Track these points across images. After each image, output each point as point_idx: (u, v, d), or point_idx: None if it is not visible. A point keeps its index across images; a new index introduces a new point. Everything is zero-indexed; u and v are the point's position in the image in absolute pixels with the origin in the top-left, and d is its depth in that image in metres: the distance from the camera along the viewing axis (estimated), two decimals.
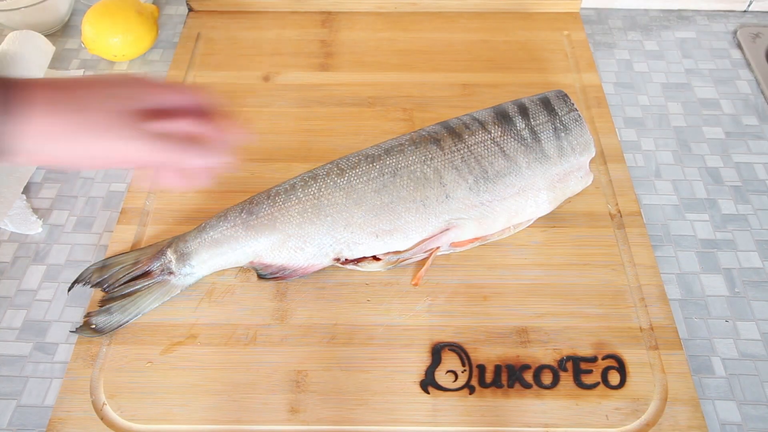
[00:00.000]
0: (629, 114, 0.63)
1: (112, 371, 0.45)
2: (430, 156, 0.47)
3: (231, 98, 0.62)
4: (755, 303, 0.49)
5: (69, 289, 0.48)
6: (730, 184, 0.57)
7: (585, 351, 0.45)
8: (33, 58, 0.61)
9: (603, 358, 0.45)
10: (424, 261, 0.49)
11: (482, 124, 0.49)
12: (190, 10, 0.72)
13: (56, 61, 0.67)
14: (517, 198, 0.48)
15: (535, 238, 0.51)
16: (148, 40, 0.67)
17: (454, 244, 0.49)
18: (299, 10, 0.72)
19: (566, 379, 0.44)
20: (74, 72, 0.67)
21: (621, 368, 0.45)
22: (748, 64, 0.67)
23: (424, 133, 0.49)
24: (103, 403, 0.43)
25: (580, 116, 0.49)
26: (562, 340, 0.46)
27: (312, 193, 0.47)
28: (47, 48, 0.63)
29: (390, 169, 0.47)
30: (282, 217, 0.46)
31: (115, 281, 0.47)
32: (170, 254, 0.47)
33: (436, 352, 0.45)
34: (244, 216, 0.47)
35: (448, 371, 0.45)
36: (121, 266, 0.47)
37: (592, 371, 0.44)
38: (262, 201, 0.48)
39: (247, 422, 0.42)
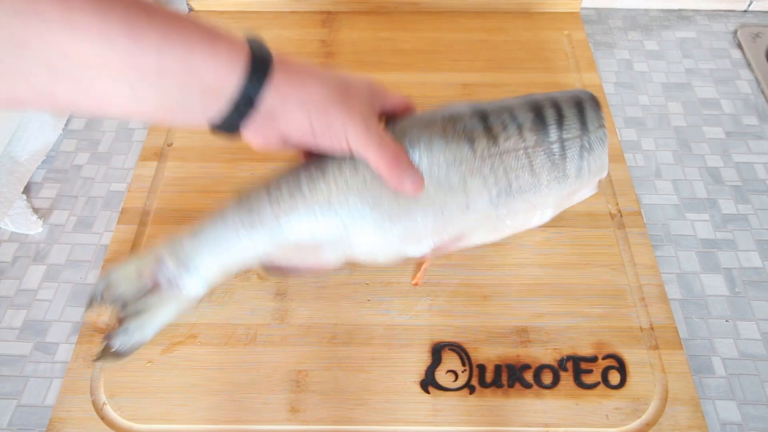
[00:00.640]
0: (629, 114, 0.63)
1: (112, 371, 0.45)
2: (459, 159, 0.41)
3: None
4: (755, 303, 0.49)
5: (85, 311, 0.47)
6: (730, 184, 0.57)
7: (585, 351, 0.45)
8: None
9: (603, 358, 0.45)
10: (424, 260, 0.49)
11: (519, 127, 0.43)
12: (190, 9, 0.72)
13: None
14: (527, 213, 0.44)
15: (535, 238, 0.51)
16: None
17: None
18: (299, 10, 0.72)
19: (566, 378, 0.44)
20: None
21: (621, 368, 0.45)
22: (749, 64, 0.67)
23: (459, 129, 0.42)
24: (104, 403, 0.43)
25: (605, 135, 0.43)
26: (562, 340, 0.46)
27: (321, 191, 0.41)
28: None
29: None
30: (287, 218, 0.41)
31: (127, 298, 0.42)
32: (169, 262, 0.42)
33: (437, 352, 0.45)
34: (245, 216, 0.42)
35: (449, 371, 0.45)
36: (126, 281, 0.43)
37: (592, 371, 0.44)
38: (263, 199, 0.42)
39: (247, 422, 0.42)
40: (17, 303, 0.49)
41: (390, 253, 0.43)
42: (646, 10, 0.74)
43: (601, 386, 0.44)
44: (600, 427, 0.42)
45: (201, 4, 0.72)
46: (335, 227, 0.41)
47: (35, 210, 0.55)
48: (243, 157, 0.57)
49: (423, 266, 0.49)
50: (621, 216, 0.53)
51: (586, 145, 0.43)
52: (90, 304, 0.42)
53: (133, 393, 0.44)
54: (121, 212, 0.54)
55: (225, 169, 0.56)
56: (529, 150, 0.42)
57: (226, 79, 0.34)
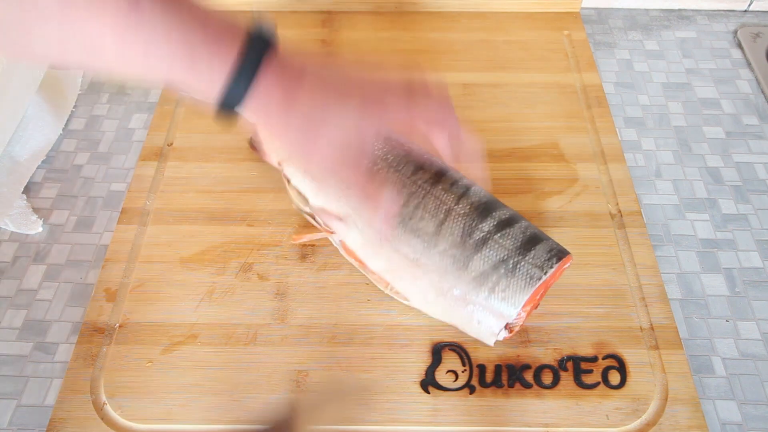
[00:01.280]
0: (629, 114, 0.63)
1: (112, 371, 0.45)
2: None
3: None
4: (755, 303, 0.49)
5: None
6: (730, 184, 0.57)
7: (585, 351, 0.45)
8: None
9: (603, 358, 0.45)
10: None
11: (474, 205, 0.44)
12: None
13: None
14: (412, 281, 0.44)
15: None
16: None
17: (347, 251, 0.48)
18: (299, 9, 0.72)
19: (567, 378, 0.44)
20: None
21: (621, 368, 0.45)
22: (749, 64, 0.67)
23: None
24: (104, 403, 0.43)
25: (537, 281, 0.41)
26: (562, 340, 0.46)
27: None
28: None
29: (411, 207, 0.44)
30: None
31: None
32: None
33: (437, 352, 0.45)
34: None
35: (449, 371, 0.45)
36: None
37: (592, 371, 0.44)
38: None
39: (248, 422, 0.42)
40: (17, 303, 0.49)
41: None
42: (647, 10, 0.74)
43: (602, 386, 0.44)
44: (600, 427, 0.42)
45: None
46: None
47: (35, 210, 0.55)
48: (243, 158, 0.57)
49: (312, 235, 0.49)
50: (621, 216, 0.53)
51: (510, 265, 0.41)
52: None
53: (133, 393, 0.43)
54: (121, 212, 0.54)
55: (225, 169, 0.56)
56: (459, 218, 0.43)
57: (219, 71, 0.33)
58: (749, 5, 0.73)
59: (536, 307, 0.45)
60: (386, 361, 0.45)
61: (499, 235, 0.42)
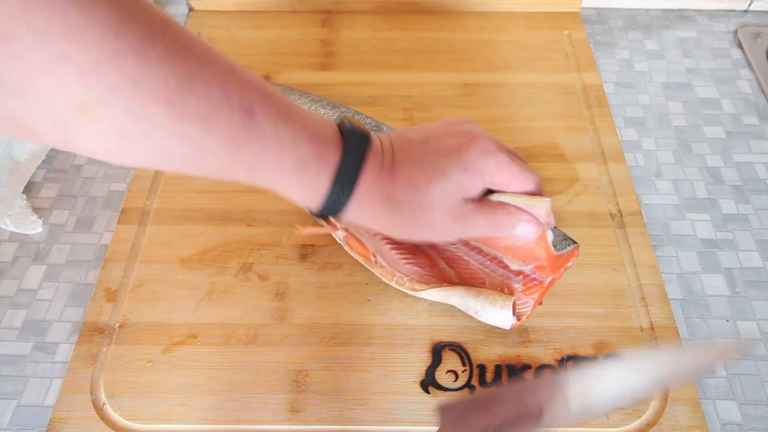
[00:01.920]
0: (630, 114, 0.63)
1: (112, 371, 0.45)
2: None
3: None
4: (756, 303, 0.49)
5: None
6: (730, 184, 0.57)
7: (585, 351, 0.45)
8: None
9: (603, 358, 0.45)
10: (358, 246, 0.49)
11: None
12: (191, 9, 0.72)
13: None
14: None
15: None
16: None
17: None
18: (299, 9, 0.72)
19: None
20: None
21: None
22: (749, 64, 0.67)
23: None
24: (104, 403, 0.43)
25: (572, 243, 0.44)
26: (562, 340, 0.46)
27: None
28: None
29: None
30: None
31: None
32: None
33: (437, 352, 0.45)
34: None
35: (449, 371, 0.45)
36: None
37: None
38: None
39: (247, 422, 0.42)
40: (17, 303, 0.49)
41: None
42: (647, 10, 0.74)
43: None
44: (600, 427, 0.42)
45: (201, 4, 0.72)
46: None
47: (35, 210, 0.55)
48: None
49: (316, 229, 0.49)
50: (621, 216, 0.53)
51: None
52: None
53: (133, 393, 0.43)
54: (121, 212, 0.54)
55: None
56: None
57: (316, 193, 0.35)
58: (749, 5, 0.73)
59: (540, 303, 0.45)
60: (386, 361, 0.45)
61: None
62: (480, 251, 0.45)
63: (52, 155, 0.59)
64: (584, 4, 0.73)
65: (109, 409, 0.43)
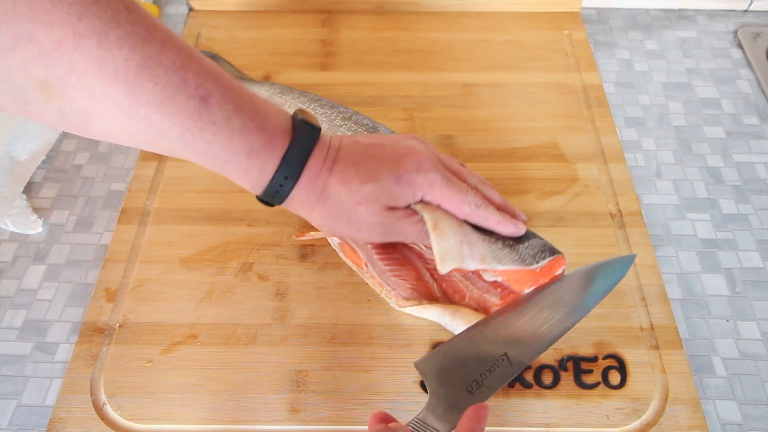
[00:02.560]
0: (630, 113, 0.63)
1: (112, 371, 0.45)
2: None
3: None
4: (756, 303, 0.49)
5: None
6: (730, 184, 0.57)
7: (585, 351, 0.45)
8: None
9: (603, 358, 0.45)
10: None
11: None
12: (191, 9, 0.72)
13: None
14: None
15: None
16: None
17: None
18: (299, 9, 0.72)
19: (567, 378, 0.44)
20: None
21: (621, 368, 0.44)
22: (749, 64, 0.67)
23: None
24: (104, 403, 0.43)
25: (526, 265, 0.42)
26: (562, 340, 0.46)
27: None
28: None
29: None
30: None
31: None
32: None
33: None
34: None
35: None
36: None
37: (592, 371, 0.44)
38: None
39: (248, 422, 0.42)
40: (17, 303, 0.49)
41: None
42: (647, 10, 0.74)
43: (602, 386, 0.44)
44: (600, 427, 0.42)
45: (201, 4, 0.72)
46: None
47: (35, 210, 0.55)
48: None
49: (315, 233, 0.50)
50: (621, 216, 0.53)
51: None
52: None
53: (133, 393, 0.43)
54: (121, 212, 0.54)
55: None
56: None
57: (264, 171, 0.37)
58: (749, 5, 0.73)
59: None
60: (386, 361, 0.45)
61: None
62: None
63: (52, 155, 0.59)
64: (584, 4, 0.73)
65: (109, 409, 0.43)
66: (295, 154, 0.36)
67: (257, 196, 0.39)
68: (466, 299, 0.45)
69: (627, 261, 0.45)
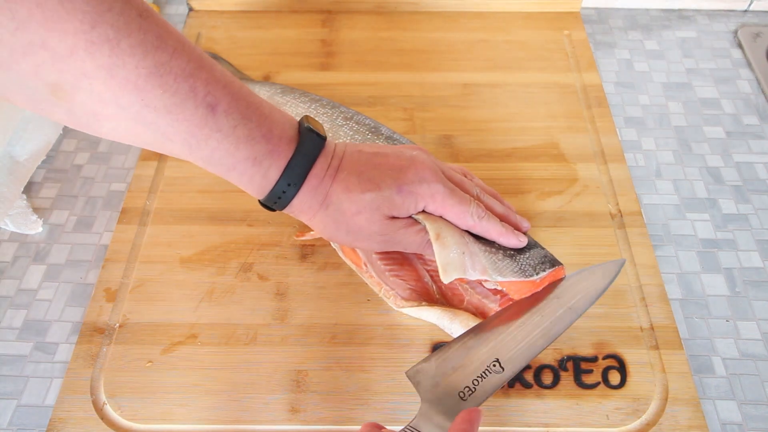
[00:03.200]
0: (630, 113, 0.63)
1: (112, 371, 0.45)
2: None
3: None
4: (756, 303, 0.49)
5: None
6: (730, 184, 0.57)
7: (585, 351, 0.45)
8: None
9: (603, 358, 0.45)
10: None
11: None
12: (191, 9, 0.72)
13: None
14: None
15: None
16: None
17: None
18: (299, 9, 0.72)
19: (567, 378, 0.44)
20: None
21: (621, 368, 0.44)
22: (749, 64, 0.67)
23: None
24: (104, 403, 0.43)
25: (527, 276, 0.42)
26: (562, 340, 0.46)
27: None
28: None
29: None
30: None
31: None
32: None
33: None
34: None
35: None
36: None
37: (592, 371, 0.44)
38: None
39: (248, 422, 0.42)
40: (17, 303, 0.49)
41: None
42: (647, 10, 0.74)
43: (602, 386, 0.44)
44: (600, 427, 0.42)
45: (201, 4, 0.72)
46: None
47: (35, 210, 0.55)
48: None
49: (315, 233, 0.50)
50: (621, 216, 0.53)
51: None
52: None
53: (133, 393, 0.43)
54: (121, 212, 0.54)
55: None
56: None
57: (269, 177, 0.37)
58: (749, 5, 0.73)
59: None
60: (386, 361, 0.45)
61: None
62: None
63: (52, 155, 0.59)
64: (584, 4, 0.73)
65: (109, 409, 0.43)
66: (299, 163, 0.37)
67: (259, 201, 0.39)
68: (465, 303, 0.45)
69: (617, 265, 0.45)
